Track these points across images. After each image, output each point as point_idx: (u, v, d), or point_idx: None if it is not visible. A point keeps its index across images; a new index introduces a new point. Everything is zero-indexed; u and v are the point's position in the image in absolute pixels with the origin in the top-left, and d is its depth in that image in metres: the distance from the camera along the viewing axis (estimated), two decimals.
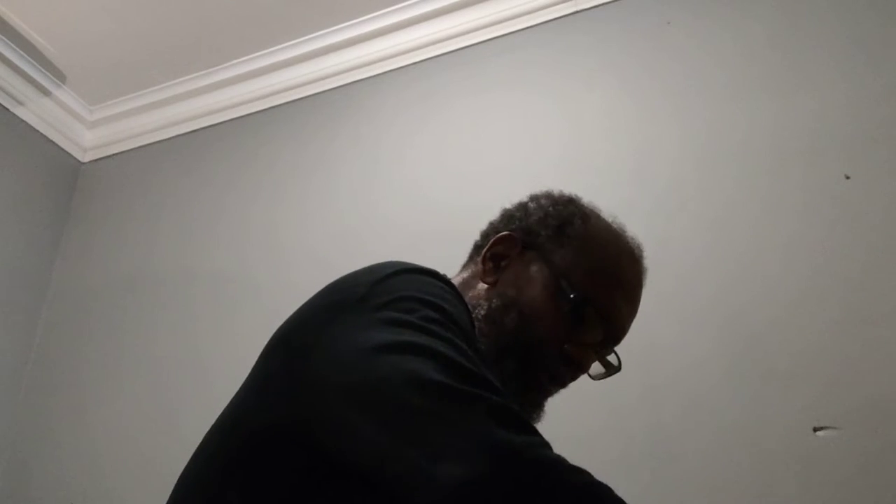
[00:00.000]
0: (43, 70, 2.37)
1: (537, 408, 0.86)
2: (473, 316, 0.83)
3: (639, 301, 0.92)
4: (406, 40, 2.11)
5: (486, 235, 0.97)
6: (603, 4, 1.89)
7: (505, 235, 0.92)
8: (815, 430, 1.31)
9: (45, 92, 2.40)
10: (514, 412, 0.60)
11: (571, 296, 0.85)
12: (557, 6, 1.94)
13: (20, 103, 2.36)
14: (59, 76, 2.40)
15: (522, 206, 0.97)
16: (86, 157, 2.53)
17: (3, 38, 2.26)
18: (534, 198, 0.98)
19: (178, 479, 0.74)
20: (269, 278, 2.01)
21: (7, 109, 2.33)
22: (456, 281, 0.92)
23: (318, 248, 1.97)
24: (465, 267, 0.97)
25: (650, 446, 1.42)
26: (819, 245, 1.44)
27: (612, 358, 0.92)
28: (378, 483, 0.61)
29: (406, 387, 0.60)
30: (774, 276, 1.45)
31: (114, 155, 2.49)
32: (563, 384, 0.89)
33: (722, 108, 1.65)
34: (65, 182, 2.47)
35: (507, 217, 0.97)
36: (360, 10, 2.15)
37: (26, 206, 2.33)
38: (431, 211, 1.86)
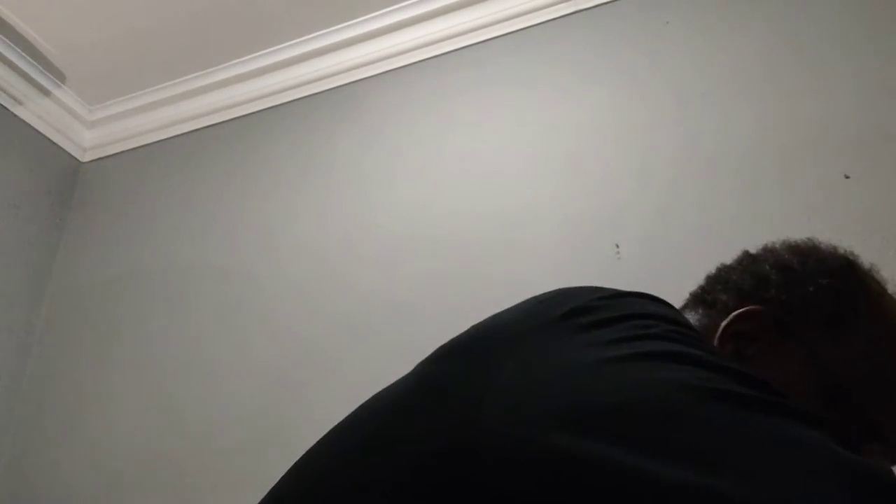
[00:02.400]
0: (43, 70, 2.37)
1: None
2: None
3: None
4: (406, 40, 2.11)
5: (719, 290, 0.71)
6: (602, 4, 1.89)
7: (756, 310, 0.66)
8: None
9: (45, 92, 2.40)
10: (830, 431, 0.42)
11: (850, 420, 0.61)
12: (557, 6, 1.95)
13: (20, 103, 2.36)
14: (59, 76, 2.40)
15: (782, 266, 0.70)
16: (86, 157, 2.53)
17: (3, 38, 2.26)
18: (798, 254, 0.71)
19: (287, 484, 0.57)
20: (269, 277, 2.01)
21: (7, 109, 2.33)
22: None
23: (317, 248, 1.97)
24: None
25: None
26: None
27: None
28: None
29: (671, 397, 0.42)
30: None
31: (113, 155, 2.49)
32: None
33: (721, 108, 1.65)
34: (65, 182, 2.47)
35: (759, 278, 0.69)
36: (360, 10, 2.15)
37: (26, 206, 2.33)
38: (431, 210, 1.86)
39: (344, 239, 1.95)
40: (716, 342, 0.65)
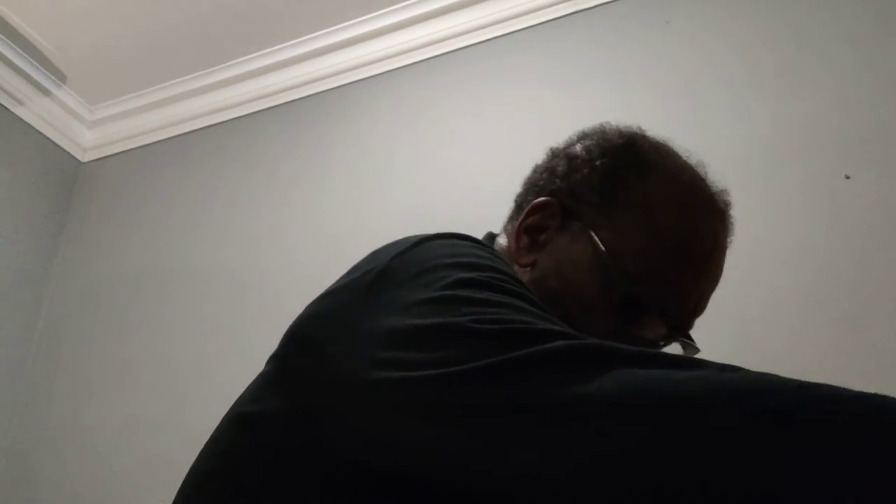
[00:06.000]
0: (43, 70, 2.37)
1: None
2: None
3: (720, 269, 0.72)
4: (406, 40, 2.11)
5: (524, 192, 0.76)
6: (603, 4, 1.89)
7: (542, 203, 0.72)
8: None
9: (46, 92, 2.40)
10: (586, 348, 0.47)
11: (624, 290, 0.65)
12: (557, 6, 1.94)
13: (20, 103, 2.35)
14: (59, 76, 2.40)
15: (568, 155, 0.74)
16: (86, 157, 2.53)
17: (3, 38, 2.26)
18: (584, 139, 0.75)
19: (186, 477, 0.66)
20: (269, 277, 2.01)
21: (7, 109, 2.33)
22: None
23: (317, 248, 1.97)
24: (503, 231, 0.77)
25: None
26: (819, 245, 1.44)
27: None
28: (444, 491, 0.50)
29: (446, 383, 0.48)
30: (773, 275, 1.45)
31: (114, 155, 2.49)
32: None
33: (720, 107, 1.65)
34: (65, 182, 2.47)
35: (549, 171, 0.74)
36: (360, 10, 2.14)
37: (26, 206, 2.32)
38: (431, 210, 1.86)
39: (345, 238, 1.94)
40: (514, 239, 0.72)
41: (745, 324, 1.43)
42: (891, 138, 1.47)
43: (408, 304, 0.54)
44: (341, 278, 0.64)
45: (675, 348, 0.74)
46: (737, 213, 1.60)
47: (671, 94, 1.72)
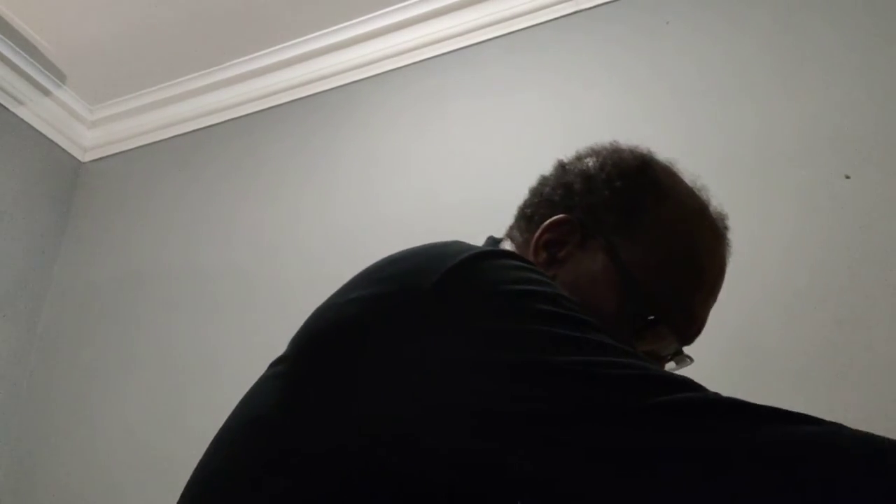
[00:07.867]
0: (43, 70, 2.37)
1: None
2: None
3: (720, 290, 0.77)
4: (406, 40, 2.11)
5: (536, 203, 0.78)
6: (603, 4, 1.89)
7: (561, 219, 0.74)
8: None
9: (45, 92, 2.40)
10: (716, 401, 0.53)
11: (643, 308, 0.70)
12: (558, 6, 1.94)
13: (20, 103, 2.35)
14: (59, 76, 2.40)
15: (584, 174, 0.77)
16: (86, 157, 2.53)
17: (3, 38, 2.26)
18: (598, 157, 0.78)
19: (192, 480, 0.65)
20: (268, 278, 2.01)
21: (7, 109, 2.33)
22: None
23: (316, 248, 1.97)
24: (507, 237, 0.80)
25: None
26: (819, 245, 1.44)
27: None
28: None
29: (576, 418, 0.50)
30: (774, 275, 1.45)
31: (114, 155, 2.49)
32: None
33: (722, 107, 1.65)
34: (65, 182, 2.46)
35: (565, 188, 0.77)
36: (360, 10, 2.15)
37: (26, 206, 2.32)
38: (429, 212, 1.86)
39: (346, 240, 1.94)
40: (531, 254, 0.74)
41: (743, 322, 1.43)
42: (891, 138, 1.47)
43: (497, 334, 0.54)
44: (364, 285, 0.62)
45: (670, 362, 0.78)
46: (736, 212, 1.60)
47: (673, 93, 1.72)
